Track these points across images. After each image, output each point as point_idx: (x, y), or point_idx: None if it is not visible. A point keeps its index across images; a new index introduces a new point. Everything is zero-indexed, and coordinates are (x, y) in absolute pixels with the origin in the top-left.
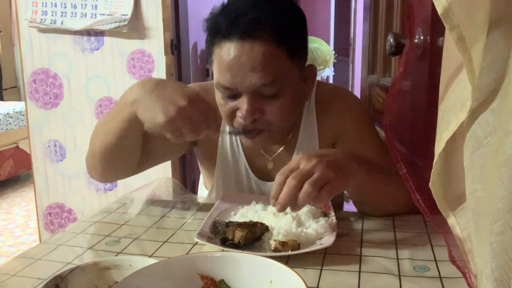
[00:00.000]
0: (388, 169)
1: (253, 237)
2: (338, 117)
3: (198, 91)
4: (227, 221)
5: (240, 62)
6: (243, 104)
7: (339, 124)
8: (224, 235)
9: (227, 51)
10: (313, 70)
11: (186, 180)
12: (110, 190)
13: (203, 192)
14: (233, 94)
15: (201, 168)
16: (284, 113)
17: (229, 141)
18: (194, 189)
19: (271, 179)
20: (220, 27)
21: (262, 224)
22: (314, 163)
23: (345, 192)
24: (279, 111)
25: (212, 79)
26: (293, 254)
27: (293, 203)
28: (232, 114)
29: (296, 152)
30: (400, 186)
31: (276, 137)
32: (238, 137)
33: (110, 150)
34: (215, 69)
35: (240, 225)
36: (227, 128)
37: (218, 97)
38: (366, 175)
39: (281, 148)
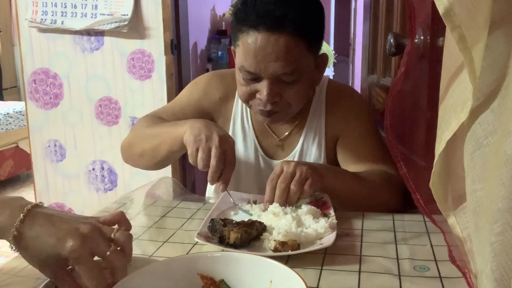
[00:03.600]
0: (361, 177)
1: (248, 238)
2: (344, 114)
3: (233, 142)
4: (224, 218)
5: (265, 51)
6: (263, 88)
7: (345, 121)
8: (221, 233)
9: (254, 40)
10: (325, 58)
11: (186, 180)
12: (110, 190)
13: None
14: (255, 77)
15: None
16: (299, 97)
17: (240, 122)
18: (194, 189)
19: (278, 158)
20: (249, 17)
21: (260, 223)
22: (294, 165)
23: None
24: (295, 96)
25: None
26: (293, 254)
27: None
28: (251, 95)
29: (304, 134)
30: (377, 190)
31: (287, 118)
32: (250, 118)
33: (160, 156)
34: (240, 53)
35: (238, 224)
36: (239, 108)
37: (239, 77)
38: (333, 178)
39: (290, 130)
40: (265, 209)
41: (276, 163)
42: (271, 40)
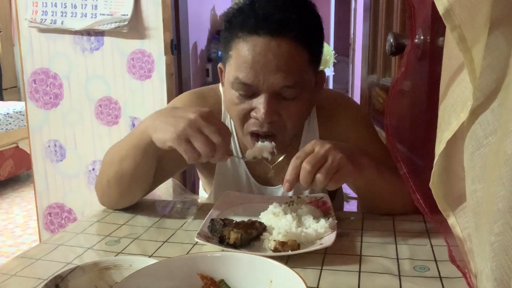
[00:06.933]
0: (394, 170)
1: (249, 238)
2: (341, 128)
3: (210, 110)
4: (224, 218)
5: (265, 59)
6: (260, 104)
7: (343, 134)
8: (221, 233)
9: (253, 46)
10: (323, 76)
11: (186, 180)
12: None
13: (202, 195)
14: (251, 92)
15: (200, 176)
16: (298, 117)
17: None
18: (194, 189)
19: (273, 184)
20: (247, 22)
21: (260, 223)
22: (327, 148)
23: (348, 192)
24: (294, 115)
25: (212, 79)
26: (293, 254)
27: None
28: (246, 115)
29: None
30: (402, 189)
31: (283, 145)
32: (238, 144)
33: (127, 177)
34: (234, 64)
35: (238, 224)
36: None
37: (232, 95)
38: (375, 170)
39: (283, 156)
40: (286, 191)
41: (271, 189)
42: (272, 46)
